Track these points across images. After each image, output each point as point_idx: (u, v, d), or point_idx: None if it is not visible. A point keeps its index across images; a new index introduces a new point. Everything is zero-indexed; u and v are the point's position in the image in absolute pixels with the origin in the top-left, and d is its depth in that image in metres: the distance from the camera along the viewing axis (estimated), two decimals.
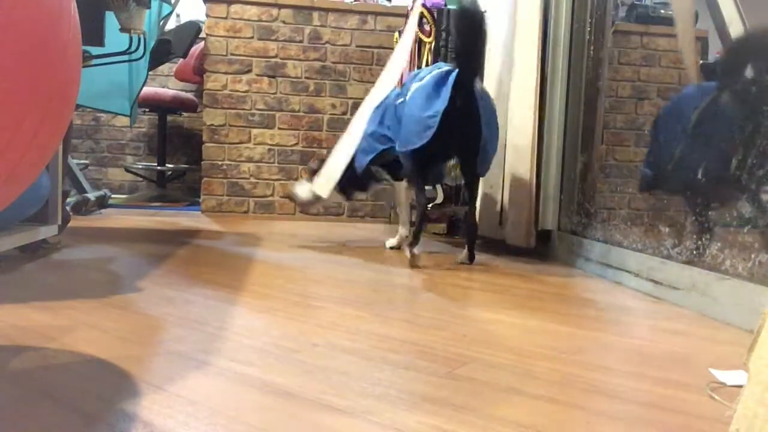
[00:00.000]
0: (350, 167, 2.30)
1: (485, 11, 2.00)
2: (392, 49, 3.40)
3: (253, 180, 3.43)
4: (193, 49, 3.71)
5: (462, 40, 2.00)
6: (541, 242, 2.33)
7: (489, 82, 2.54)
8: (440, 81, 1.99)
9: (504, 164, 2.36)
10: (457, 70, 1.96)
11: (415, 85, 2.06)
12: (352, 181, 2.34)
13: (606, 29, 2.24)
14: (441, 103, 1.92)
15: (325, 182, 2.31)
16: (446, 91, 1.94)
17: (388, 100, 2.28)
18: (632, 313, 1.49)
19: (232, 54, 3.41)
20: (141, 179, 4.33)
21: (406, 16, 3.11)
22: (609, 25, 2.25)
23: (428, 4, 2.73)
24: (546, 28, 2.30)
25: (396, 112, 2.18)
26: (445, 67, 2.06)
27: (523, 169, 2.25)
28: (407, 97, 2.09)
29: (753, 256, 1.41)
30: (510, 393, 0.90)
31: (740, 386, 0.70)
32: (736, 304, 1.36)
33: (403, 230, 2.42)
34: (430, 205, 2.74)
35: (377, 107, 2.31)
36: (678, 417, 0.85)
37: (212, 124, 3.41)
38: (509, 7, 2.38)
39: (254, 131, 3.42)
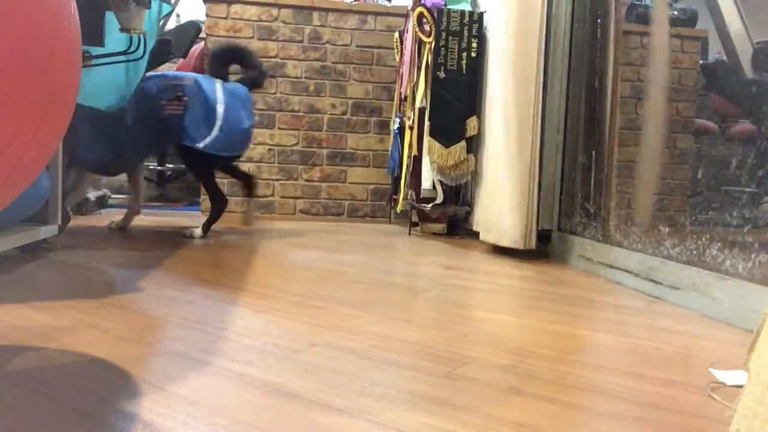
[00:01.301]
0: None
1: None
2: (392, 49, 3.41)
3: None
4: (193, 49, 3.70)
5: (251, 63, 2.63)
6: (541, 242, 2.32)
7: (493, 85, 2.54)
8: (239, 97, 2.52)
9: (505, 164, 2.35)
10: (245, 88, 2.55)
11: (224, 97, 2.46)
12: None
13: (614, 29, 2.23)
14: (249, 119, 2.53)
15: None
16: (250, 108, 2.56)
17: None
18: (632, 313, 1.49)
19: None
20: None
21: (406, 16, 3.11)
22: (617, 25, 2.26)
23: (428, 4, 2.73)
24: (548, 27, 2.29)
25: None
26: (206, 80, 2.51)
27: (521, 169, 2.25)
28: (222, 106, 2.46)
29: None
30: (510, 393, 0.90)
31: (740, 386, 0.70)
32: (736, 304, 1.36)
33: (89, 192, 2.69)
34: (429, 205, 2.74)
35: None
36: (678, 417, 0.85)
37: None
38: (511, 5, 2.38)
39: (254, 131, 3.42)
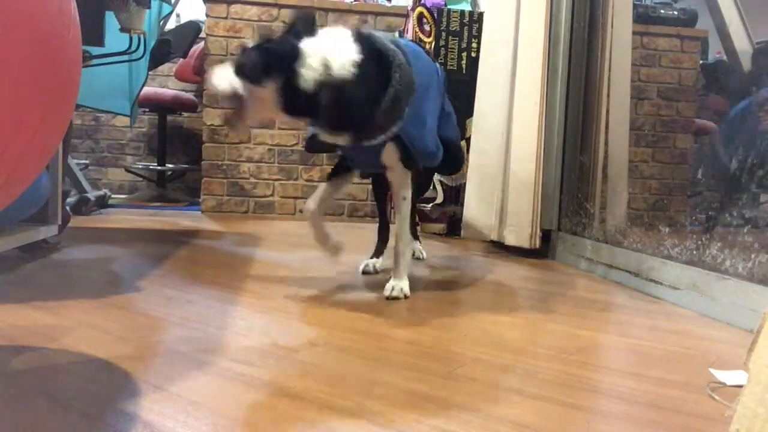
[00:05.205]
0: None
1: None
2: None
3: (253, 180, 3.43)
4: (193, 49, 3.70)
5: None
6: (541, 242, 2.32)
7: (493, 82, 2.54)
8: None
9: (508, 164, 2.35)
10: None
11: None
12: None
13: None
14: None
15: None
16: None
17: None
18: (632, 313, 1.49)
19: (232, 54, 3.41)
20: (141, 179, 4.32)
21: (406, 16, 3.11)
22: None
23: (428, 4, 2.73)
24: (549, 28, 2.29)
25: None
26: None
27: (526, 170, 2.24)
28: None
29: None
30: (510, 393, 0.90)
31: (740, 386, 0.70)
32: (736, 304, 1.36)
33: None
34: (429, 205, 2.74)
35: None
36: (678, 417, 0.85)
37: (212, 124, 3.40)
38: (512, 6, 2.38)
39: (254, 131, 3.42)
